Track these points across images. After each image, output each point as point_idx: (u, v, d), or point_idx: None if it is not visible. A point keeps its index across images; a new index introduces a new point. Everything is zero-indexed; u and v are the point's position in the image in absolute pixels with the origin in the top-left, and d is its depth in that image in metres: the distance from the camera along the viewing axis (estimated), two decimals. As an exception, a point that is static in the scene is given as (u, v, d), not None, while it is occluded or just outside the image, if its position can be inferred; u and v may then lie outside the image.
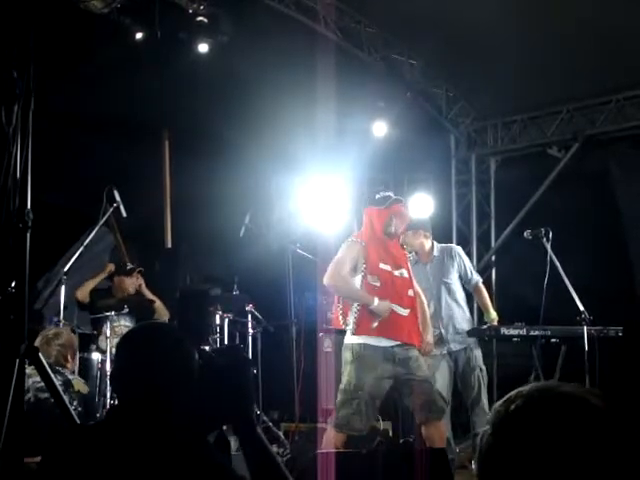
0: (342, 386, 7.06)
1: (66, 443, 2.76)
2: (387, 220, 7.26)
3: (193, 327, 8.97)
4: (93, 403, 7.92)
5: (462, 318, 8.55)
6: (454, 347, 8.42)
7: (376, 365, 6.98)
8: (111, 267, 9.81)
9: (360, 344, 7.03)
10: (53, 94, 6.79)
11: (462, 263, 8.71)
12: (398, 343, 7.06)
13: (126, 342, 2.99)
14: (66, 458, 2.69)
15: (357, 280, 7.14)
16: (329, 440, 7.06)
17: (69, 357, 7.23)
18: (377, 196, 7.46)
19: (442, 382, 8.17)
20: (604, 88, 10.78)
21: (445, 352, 8.38)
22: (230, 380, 2.50)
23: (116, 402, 8.56)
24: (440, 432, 7.13)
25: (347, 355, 7.10)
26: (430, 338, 7.50)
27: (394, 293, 7.14)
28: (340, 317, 7.31)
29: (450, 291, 8.58)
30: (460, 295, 8.66)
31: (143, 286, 9.84)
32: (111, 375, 3.12)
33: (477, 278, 8.82)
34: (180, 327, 2.64)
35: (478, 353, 8.52)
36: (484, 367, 8.51)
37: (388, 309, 6.98)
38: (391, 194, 7.46)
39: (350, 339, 7.11)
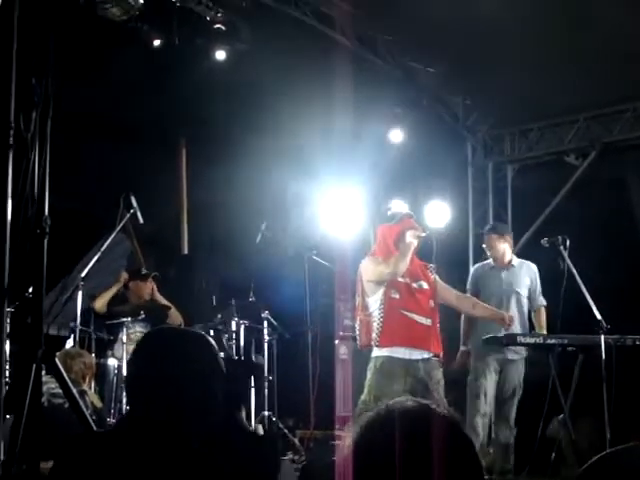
0: (363, 396, 7.13)
1: (80, 449, 2.75)
2: (399, 236, 7.32)
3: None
4: (105, 417, 7.97)
5: (524, 330, 8.58)
6: (509, 356, 8.46)
7: (398, 378, 7.03)
8: (125, 275, 9.80)
9: (384, 356, 7.10)
10: (71, 101, 6.82)
11: (536, 282, 8.79)
12: (424, 357, 7.14)
13: (147, 347, 2.93)
14: (79, 464, 2.68)
15: (379, 294, 7.19)
16: (346, 449, 7.05)
17: (87, 378, 7.28)
18: (388, 213, 7.53)
19: (489, 384, 8.36)
20: (621, 96, 10.76)
21: (499, 359, 8.46)
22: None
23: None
24: None
25: (371, 366, 7.17)
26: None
27: (414, 303, 7.20)
28: (364, 336, 7.38)
29: (519, 302, 8.67)
30: (526, 309, 8.73)
31: (156, 291, 9.84)
32: (129, 381, 3.01)
33: (543, 302, 8.84)
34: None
35: (523, 368, 8.56)
36: (522, 383, 8.54)
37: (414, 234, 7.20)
38: (401, 210, 7.52)
39: (375, 351, 7.18)
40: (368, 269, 7.34)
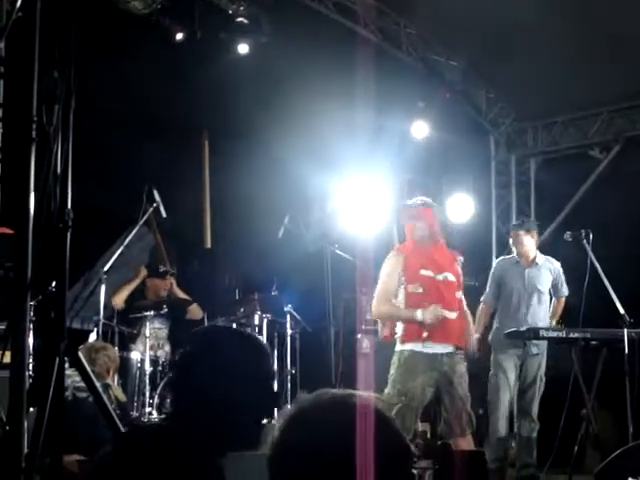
0: (387, 390, 7.14)
1: (129, 444, 2.73)
2: (413, 228, 7.32)
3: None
4: (129, 411, 8.00)
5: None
6: (531, 350, 8.46)
7: (422, 373, 7.05)
8: (144, 272, 9.83)
9: (409, 351, 7.11)
10: (94, 94, 6.83)
11: (558, 277, 8.81)
12: (448, 351, 7.15)
13: (197, 345, 2.91)
14: (127, 460, 2.65)
15: (400, 293, 7.19)
16: None
17: (111, 371, 7.30)
18: (405, 207, 7.56)
19: (510, 377, 8.38)
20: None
21: (520, 353, 8.45)
22: None
23: (155, 402, 8.63)
24: (469, 444, 7.22)
25: (395, 361, 7.18)
26: (474, 339, 7.59)
27: (439, 296, 7.18)
28: (385, 328, 7.40)
29: (540, 300, 8.69)
30: (547, 306, 8.76)
31: (174, 286, 9.87)
32: (176, 377, 2.98)
33: (565, 292, 8.88)
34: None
35: (544, 362, 8.55)
36: (544, 378, 8.52)
37: (437, 314, 7.02)
38: (416, 200, 7.51)
39: (399, 346, 7.20)
40: (382, 270, 7.36)
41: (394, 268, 7.25)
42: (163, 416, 8.62)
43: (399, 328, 7.19)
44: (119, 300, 9.45)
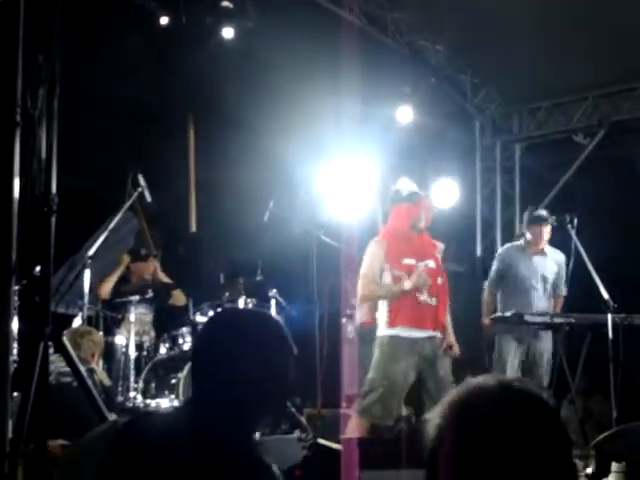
0: (369, 375, 7.21)
1: (139, 430, 2.69)
2: (417, 216, 7.34)
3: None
4: (113, 396, 7.99)
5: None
6: (536, 335, 8.53)
7: (403, 357, 7.11)
8: (126, 259, 9.82)
9: (390, 336, 7.17)
10: (78, 79, 6.81)
11: (562, 271, 8.84)
12: (428, 335, 7.20)
13: (212, 328, 2.87)
14: (137, 447, 2.61)
15: (386, 276, 7.24)
16: (353, 427, 7.16)
17: (96, 355, 7.29)
18: (404, 193, 7.52)
19: (512, 362, 8.49)
20: (630, 74, 10.71)
21: (525, 337, 8.56)
22: None
23: (140, 387, 8.63)
24: None
25: (376, 346, 7.24)
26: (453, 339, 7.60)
27: None
28: (364, 314, 7.45)
29: (545, 288, 8.79)
30: (550, 296, 8.84)
31: (158, 270, 9.87)
32: (195, 362, 2.91)
33: (563, 292, 8.96)
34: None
35: (550, 346, 8.60)
36: (552, 360, 8.56)
37: (423, 276, 7.11)
38: (417, 190, 7.53)
39: (380, 331, 7.26)
40: (365, 256, 7.38)
41: (375, 257, 7.29)
42: (150, 401, 8.65)
43: (380, 313, 7.23)
44: (104, 292, 9.45)
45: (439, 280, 7.33)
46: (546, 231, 8.76)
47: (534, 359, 8.59)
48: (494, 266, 9.02)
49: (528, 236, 8.89)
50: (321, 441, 6.58)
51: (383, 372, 7.06)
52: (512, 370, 8.43)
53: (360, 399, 7.30)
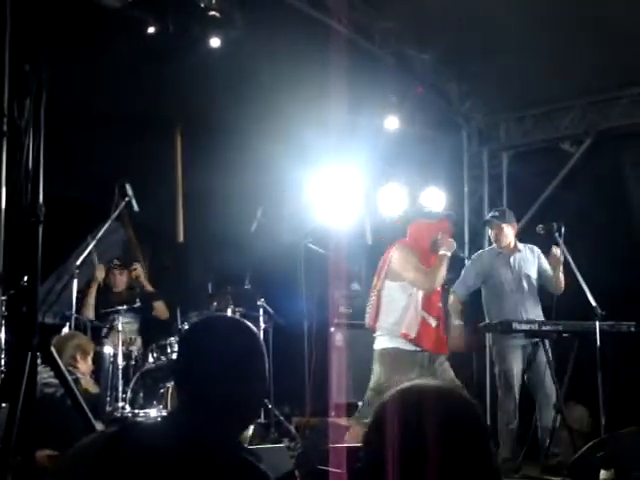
0: (371, 384, 7.31)
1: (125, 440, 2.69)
2: (436, 235, 7.37)
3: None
4: (101, 404, 7.97)
5: (537, 311, 8.60)
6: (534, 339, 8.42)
7: (406, 368, 7.15)
8: (101, 273, 9.84)
9: (393, 348, 7.26)
10: (65, 88, 6.80)
11: (542, 263, 8.74)
12: (429, 353, 7.33)
13: (191, 339, 2.90)
14: (120, 458, 2.61)
15: (404, 283, 7.35)
16: (353, 435, 7.18)
17: (79, 358, 7.26)
18: (426, 209, 7.58)
19: (517, 370, 8.36)
20: (617, 83, 10.74)
21: (524, 343, 8.43)
22: None
23: (128, 397, 8.61)
24: None
25: (378, 357, 7.33)
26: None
27: (428, 302, 7.34)
28: (370, 318, 7.48)
29: (530, 285, 8.64)
30: (536, 293, 8.70)
31: (142, 277, 9.89)
32: (176, 373, 2.93)
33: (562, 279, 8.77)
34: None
35: (549, 346, 8.52)
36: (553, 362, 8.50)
37: (451, 243, 7.36)
38: (441, 210, 7.61)
39: (384, 343, 7.34)
40: (403, 259, 7.38)
41: (410, 254, 7.39)
42: (138, 411, 8.63)
43: (388, 324, 7.27)
44: (88, 312, 9.48)
45: (439, 303, 7.50)
46: (506, 228, 8.69)
47: (541, 363, 8.47)
48: (464, 272, 8.85)
49: (491, 236, 8.89)
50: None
51: (385, 381, 7.13)
52: (515, 381, 8.31)
53: (362, 407, 7.40)
